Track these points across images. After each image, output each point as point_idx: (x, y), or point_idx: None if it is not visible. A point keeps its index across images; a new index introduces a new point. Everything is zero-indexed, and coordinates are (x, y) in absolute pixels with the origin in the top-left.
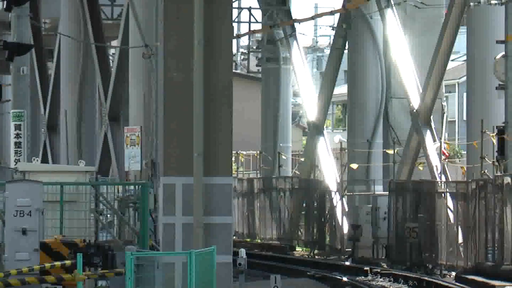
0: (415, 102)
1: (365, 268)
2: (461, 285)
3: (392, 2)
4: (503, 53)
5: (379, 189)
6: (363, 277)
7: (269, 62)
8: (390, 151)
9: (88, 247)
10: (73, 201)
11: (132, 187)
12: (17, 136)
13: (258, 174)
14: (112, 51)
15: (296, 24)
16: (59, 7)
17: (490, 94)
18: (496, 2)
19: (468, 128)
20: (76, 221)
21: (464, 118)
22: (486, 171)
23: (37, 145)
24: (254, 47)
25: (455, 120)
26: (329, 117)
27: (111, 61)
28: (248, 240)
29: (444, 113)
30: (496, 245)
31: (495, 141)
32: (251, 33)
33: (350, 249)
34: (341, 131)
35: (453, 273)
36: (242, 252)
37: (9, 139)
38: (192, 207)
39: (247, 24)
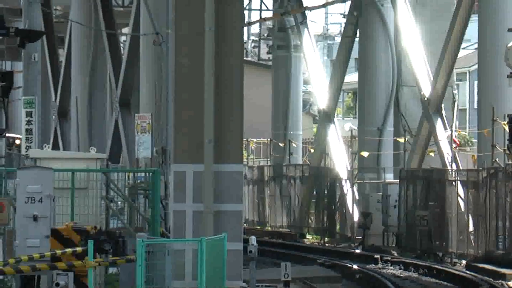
0: (426, 90)
1: (375, 256)
2: (472, 273)
3: None
4: None
5: (389, 177)
6: (373, 265)
7: (280, 49)
8: (401, 139)
9: (99, 234)
10: (84, 188)
11: (142, 174)
12: (28, 122)
13: (268, 161)
14: (123, 38)
15: (307, 12)
16: None
17: (501, 82)
18: None
19: (479, 116)
20: (87, 208)
21: (475, 106)
22: (497, 159)
23: (48, 131)
24: (265, 35)
25: (466, 108)
26: (340, 105)
27: (122, 48)
28: (259, 227)
29: (455, 101)
30: (506, 233)
31: (506, 128)
32: (262, 20)
33: (360, 237)
34: (352, 119)
35: (464, 261)
36: (253, 239)
37: (21, 125)
38: (202, 194)
39: (258, 11)
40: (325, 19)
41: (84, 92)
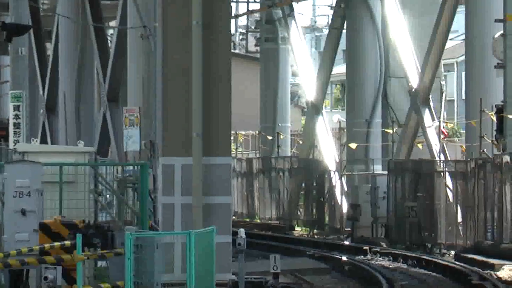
0: (414, 81)
1: (364, 248)
2: (461, 264)
3: None
4: (502, 32)
5: (378, 168)
6: (362, 256)
7: (267, 42)
8: (389, 131)
9: (87, 227)
10: (72, 181)
11: (131, 167)
12: (16, 117)
13: (257, 154)
14: (110, 31)
15: (294, 4)
16: None
17: (488, 73)
18: None
19: (467, 107)
20: (75, 202)
21: (463, 97)
22: (485, 150)
23: (36, 126)
24: (253, 27)
25: (454, 99)
26: (328, 97)
27: (109, 42)
28: (248, 220)
29: (442, 92)
30: (495, 224)
31: (494, 119)
32: (249, 13)
33: (349, 229)
34: (340, 110)
35: (453, 252)
36: (242, 232)
37: (8, 120)
38: (191, 187)
39: (245, 3)
40: (312, 11)
41: (72, 86)
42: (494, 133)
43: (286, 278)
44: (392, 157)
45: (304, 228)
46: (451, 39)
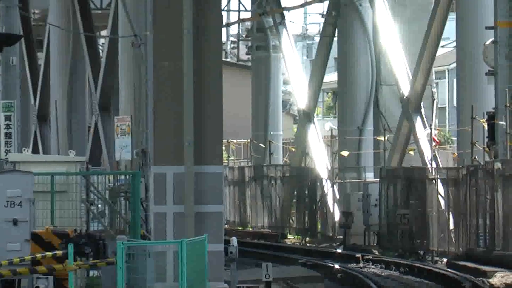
0: (405, 89)
1: (357, 255)
2: (453, 271)
3: None
4: (493, 39)
5: (370, 176)
6: (354, 264)
7: (259, 50)
8: (381, 138)
9: (79, 237)
10: (63, 191)
11: (123, 176)
12: (7, 126)
13: (249, 162)
14: (101, 41)
15: (285, 12)
16: None
17: (480, 80)
18: None
19: (459, 114)
20: (67, 211)
21: (455, 104)
22: (476, 157)
23: (28, 135)
24: (244, 36)
25: (445, 107)
26: (320, 104)
27: (100, 51)
28: (240, 228)
29: (434, 99)
30: (487, 231)
31: (485, 126)
32: (240, 21)
33: (341, 237)
34: (332, 118)
35: (445, 259)
36: (234, 240)
37: None
38: (183, 196)
39: (237, 12)
40: (304, 19)
41: (64, 95)
42: (486, 140)
43: (279, 286)
44: (384, 165)
45: (296, 236)
46: (442, 46)
